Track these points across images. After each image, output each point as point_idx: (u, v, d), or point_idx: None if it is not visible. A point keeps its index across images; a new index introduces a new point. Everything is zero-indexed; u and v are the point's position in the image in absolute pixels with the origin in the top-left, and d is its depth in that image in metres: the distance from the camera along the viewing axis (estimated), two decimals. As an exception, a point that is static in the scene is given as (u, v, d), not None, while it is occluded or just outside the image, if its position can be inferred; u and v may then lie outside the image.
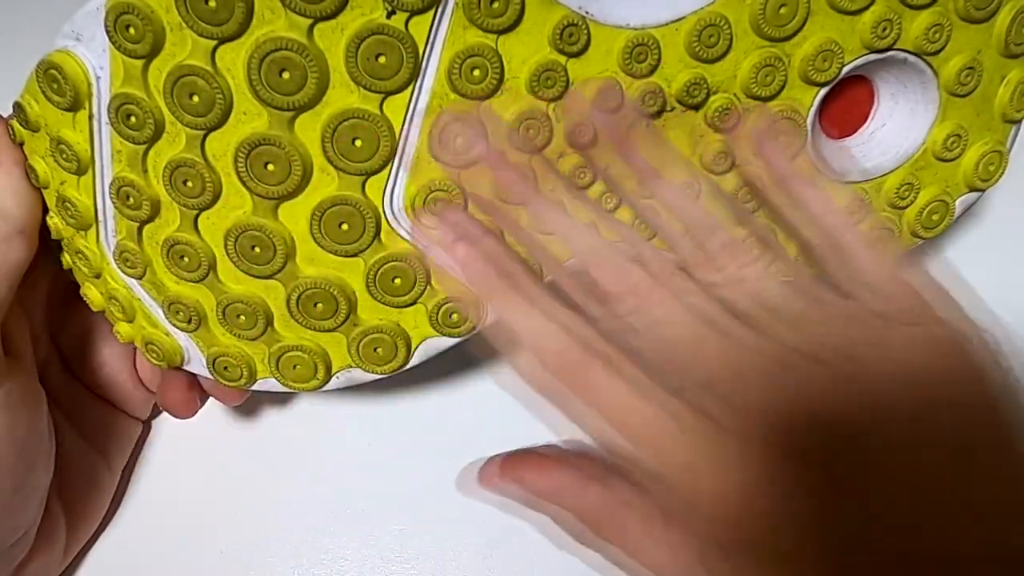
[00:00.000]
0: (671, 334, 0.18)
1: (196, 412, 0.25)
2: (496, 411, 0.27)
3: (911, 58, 0.21)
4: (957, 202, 0.23)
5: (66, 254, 0.22)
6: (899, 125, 0.22)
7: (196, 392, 0.24)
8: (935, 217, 0.23)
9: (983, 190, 0.23)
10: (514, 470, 0.19)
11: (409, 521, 0.27)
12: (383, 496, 0.27)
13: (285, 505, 0.27)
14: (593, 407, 0.18)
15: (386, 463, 0.27)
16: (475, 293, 0.20)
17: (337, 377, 0.22)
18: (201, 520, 0.27)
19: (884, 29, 0.20)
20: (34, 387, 0.22)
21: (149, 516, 0.27)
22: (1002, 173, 0.23)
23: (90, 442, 0.24)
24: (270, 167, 0.19)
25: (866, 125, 0.23)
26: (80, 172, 0.20)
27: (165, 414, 0.27)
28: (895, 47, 0.20)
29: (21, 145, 0.20)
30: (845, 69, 0.20)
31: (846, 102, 0.22)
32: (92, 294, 0.22)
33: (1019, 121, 0.23)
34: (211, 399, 0.25)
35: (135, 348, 0.24)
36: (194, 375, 0.24)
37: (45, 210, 0.21)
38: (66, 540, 0.24)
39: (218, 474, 0.27)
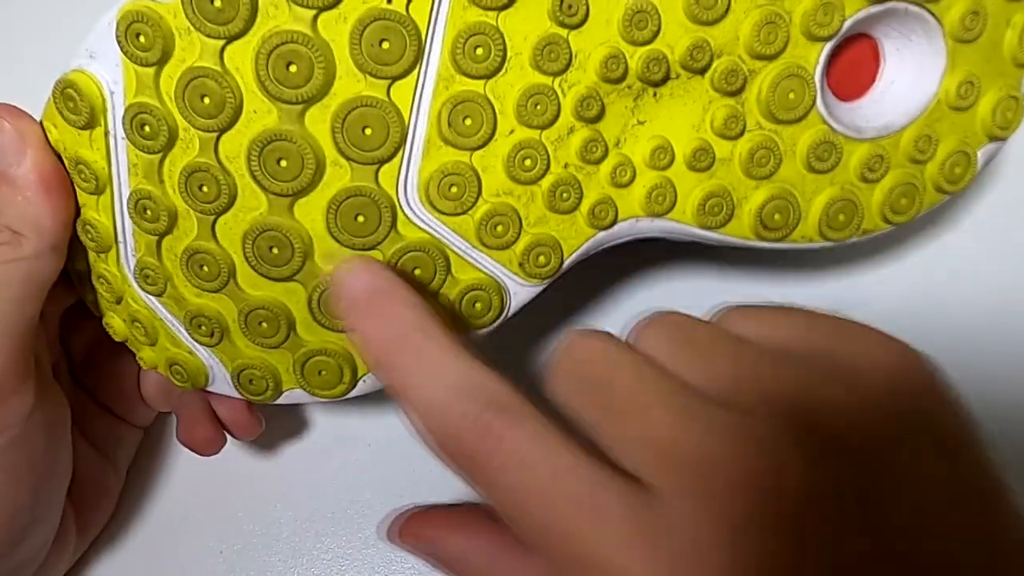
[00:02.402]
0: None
1: (221, 450, 0.24)
2: None
3: (912, 8, 0.21)
4: (979, 153, 0.23)
5: (88, 285, 0.22)
6: (909, 79, 0.22)
7: (221, 429, 0.24)
8: (958, 170, 0.23)
9: (1003, 138, 0.23)
10: (412, 530, 0.19)
11: None
12: (383, 496, 0.27)
13: (285, 505, 0.27)
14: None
15: (386, 463, 0.27)
16: None
17: (364, 380, 0.22)
18: (201, 520, 0.27)
19: (881, -21, 0.20)
20: (63, 403, 0.21)
21: (149, 516, 0.27)
22: (1020, 120, 0.23)
23: (96, 447, 0.24)
24: (283, 163, 0.19)
25: (876, 83, 0.22)
26: (99, 191, 0.20)
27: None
28: (895, -3, 0.20)
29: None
30: (847, 23, 0.20)
31: (853, 64, 0.22)
32: (115, 323, 0.22)
33: (1031, 65, 0.22)
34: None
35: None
36: (215, 413, 0.24)
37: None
38: (74, 542, 0.24)
39: (218, 474, 0.27)
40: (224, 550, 0.26)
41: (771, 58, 0.20)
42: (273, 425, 0.27)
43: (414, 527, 0.19)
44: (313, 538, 0.26)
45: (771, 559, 0.14)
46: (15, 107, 0.20)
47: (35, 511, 0.21)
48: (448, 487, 0.26)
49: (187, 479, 0.27)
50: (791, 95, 0.21)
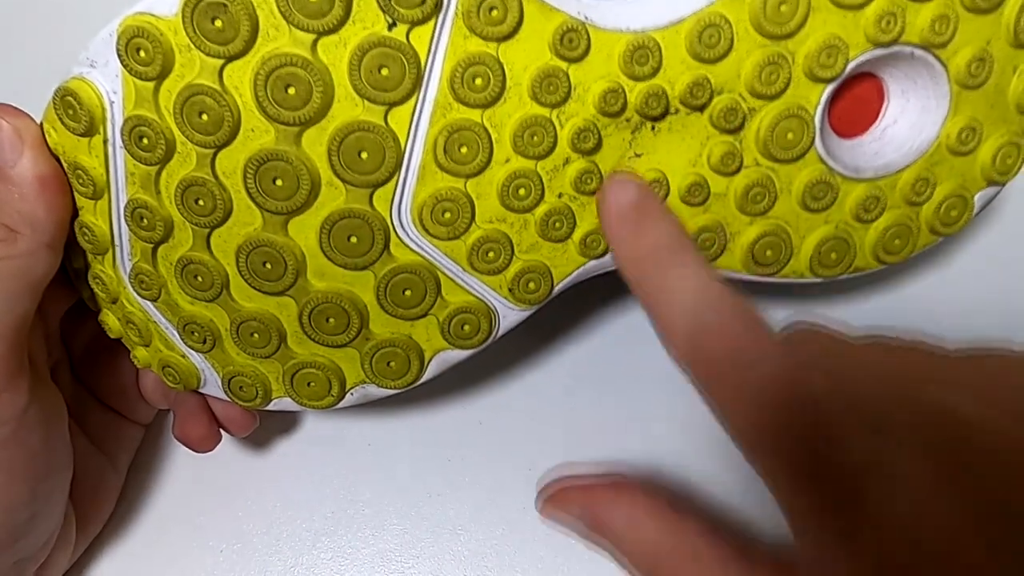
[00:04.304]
0: None
1: (216, 447, 0.25)
2: (497, 412, 0.28)
3: (918, 52, 0.21)
4: (976, 197, 0.23)
5: (85, 283, 0.22)
6: (911, 121, 0.22)
7: (216, 426, 0.24)
8: (954, 213, 0.23)
9: (1002, 184, 0.23)
10: (577, 500, 0.18)
11: (409, 521, 0.27)
12: (383, 496, 0.27)
13: (285, 505, 0.27)
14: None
15: (386, 463, 0.27)
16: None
17: (351, 393, 0.22)
18: (201, 520, 0.27)
19: (888, 23, 0.20)
20: (58, 400, 0.22)
21: (149, 516, 0.27)
22: (1021, 165, 0.22)
23: (97, 445, 0.25)
24: (278, 182, 0.19)
25: (877, 123, 0.22)
26: (96, 196, 0.20)
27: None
28: (900, 41, 0.20)
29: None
30: (851, 65, 0.20)
31: (856, 101, 0.22)
32: (110, 320, 0.22)
33: (1035, 112, 0.22)
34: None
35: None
36: (211, 410, 0.24)
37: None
38: (75, 540, 0.24)
39: (218, 474, 0.27)
40: (224, 550, 0.26)
41: (772, 98, 0.20)
42: (273, 425, 0.28)
43: (575, 496, 0.18)
44: (313, 538, 0.27)
45: None
46: (13, 107, 0.20)
47: (34, 507, 0.21)
48: (448, 487, 0.26)
49: (187, 479, 0.27)
50: (790, 135, 0.20)
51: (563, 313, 0.28)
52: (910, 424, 0.15)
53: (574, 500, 0.18)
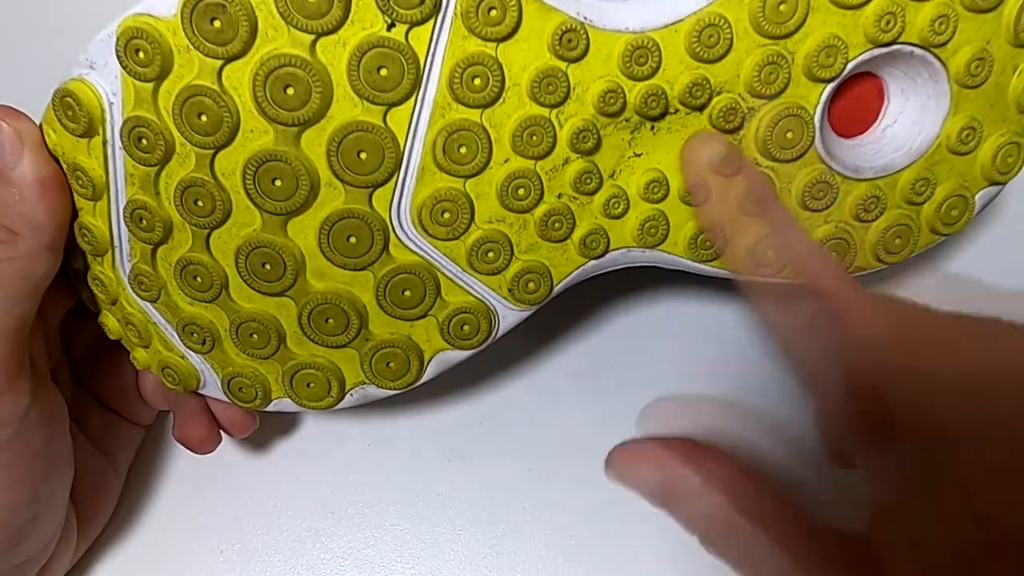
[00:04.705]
0: None
1: (216, 448, 0.25)
2: (497, 412, 0.28)
3: (918, 51, 0.21)
4: (977, 196, 0.23)
5: (85, 284, 0.22)
6: (911, 120, 0.22)
7: (216, 427, 0.24)
8: (954, 212, 0.22)
9: (1003, 183, 0.23)
10: (650, 460, 0.18)
11: (409, 521, 0.27)
12: (383, 496, 0.27)
13: (285, 506, 0.27)
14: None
15: (386, 463, 0.27)
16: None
17: (351, 394, 0.22)
18: (201, 520, 0.27)
19: (887, 22, 0.20)
20: (59, 401, 0.22)
21: (149, 516, 0.27)
22: (1021, 165, 0.22)
23: (97, 446, 0.25)
24: (278, 183, 0.19)
25: (878, 122, 0.22)
26: (96, 197, 0.20)
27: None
28: (900, 40, 0.20)
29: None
30: (850, 65, 0.20)
31: (856, 100, 0.22)
32: (109, 322, 0.23)
33: (1035, 112, 0.22)
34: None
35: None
36: (211, 411, 0.24)
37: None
38: (76, 541, 0.24)
39: (218, 474, 0.27)
40: (224, 550, 0.26)
41: (771, 97, 0.20)
42: (273, 425, 0.28)
43: (648, 454, 0.18)
44: (313, 538, 0.27)
45: None
46: (13, 108, 0.20)
47: (35, 508, 0.21)
48: (448, 487, 0.26)
49: (187, 479, 0.27)
50: (789, 135, 0.20)
51: (563, 313, 0.28)
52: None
53: (646, 460, 0.18)
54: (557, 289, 0.21)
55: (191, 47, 0.18)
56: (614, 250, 0.21)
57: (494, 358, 0.28)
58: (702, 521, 0.17)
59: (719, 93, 0.20)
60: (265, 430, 0.28)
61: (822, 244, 0.22)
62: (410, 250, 0.20)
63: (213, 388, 0.22)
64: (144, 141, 0.19)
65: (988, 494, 0.14)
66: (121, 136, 0.19)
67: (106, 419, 0.25)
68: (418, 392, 0.26)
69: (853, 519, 0.16)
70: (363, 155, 0.19)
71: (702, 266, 0.22)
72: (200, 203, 0.19)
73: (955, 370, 0.16)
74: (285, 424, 0.28)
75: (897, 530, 0.15)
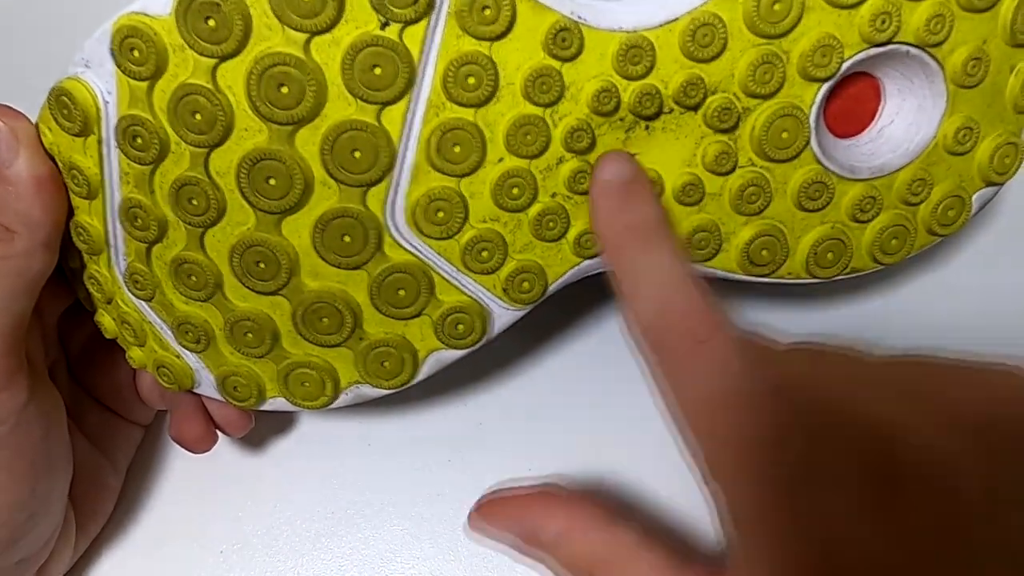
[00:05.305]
0: None
1: (212, 447, 0.25)
2: (496, 412, 0.28)
3: (914, 51, 0.20)
4: (974, 197, 0.22)
5: (81, 283, 0.22)
6: (908, 120, 0.22)
7: (212, 427, 0.24)
8: (951, 213, 0.22)
9: (1000, 184, 0.22)
10: (510, 513, 0.18)
11: (409, 521, 0.27)
12: (383, 496, 0.27)
13: (285, 506, 0.27)
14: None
15: (386, 464, 0.27)
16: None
17: (346, 393, 0.22)
18: (201, 520, 0.27)
19: (883, 22, 0.20)
20: (56, 398, 0.22)
21: (149, 516, 0.27)
22: (1019, 165, 0.22)
23: (95, 444, 0.25)
24: (272, 182, 0.19)
25: (874, 122, 0.22)
26: (91, 196, 0.20)
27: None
28: (896, 40, 0.20)
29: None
30: (845, 64, 0.20)
31: (852, 100, 0.22)
32: (105, 321, 0.23)
33: (1033, 112, 0.22)
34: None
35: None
36: (207, 411, 0.24)
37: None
38: (76, 540, 0.24)
39: (218, 474, 0.27)
40: (224, 550, 0.26)
41: (766, 97, 0.20)
42: (273, 425, 0.28)
43: (507, 508, 0.18)
44: (313, 538, 0.27)
45: None
46: (9, 107, 0.20)
47: (33, 506, 0.21)
48: (448, 488, 0.26)
49: (187, 479, 0.27)
50: (784, 134, 0.20)
51: (562, 313, 0.28)
52: (844, 437, 0.15)
53: (507, 513, 0.18)
54: (552, 289, 0.21)
55: (186, 46, 0.18)
56: (609, 250, 0.21)
57: (494, 358, 0.28)
58: (567, 565, 0.18)
59: (714, 92, 0.20)
60: (265, 431, 0.28)
61: (819, 242, 0.22)
62: (404, 249, 0.20)
63: (208, 387, 0.22)
64: (139, 140, 0.19)
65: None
66: (116, 135, 0.19)
67: (104, 418, 0.25)
68: (418, 393, 0.26)
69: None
70: (357, 154, 0.19)
71: (697, 266, 0.22)
72: (194, 202, 0.19)
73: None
74: (285, 424, 0.28)
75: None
